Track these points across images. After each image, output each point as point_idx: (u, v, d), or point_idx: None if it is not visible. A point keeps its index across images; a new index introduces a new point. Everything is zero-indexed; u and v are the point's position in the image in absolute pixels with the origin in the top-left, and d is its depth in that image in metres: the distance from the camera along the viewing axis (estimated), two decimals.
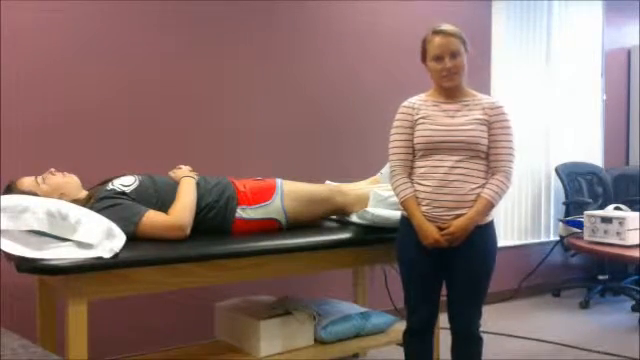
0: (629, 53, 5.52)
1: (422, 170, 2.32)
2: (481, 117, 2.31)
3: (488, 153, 2.32)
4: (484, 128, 2.30)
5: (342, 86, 3.88)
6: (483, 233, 2.33)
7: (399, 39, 4.07)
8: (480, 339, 2.41)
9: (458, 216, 2.26)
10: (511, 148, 2.32)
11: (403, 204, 2.35)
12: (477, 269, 2.34)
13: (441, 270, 2.37)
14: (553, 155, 5.01)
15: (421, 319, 2.42)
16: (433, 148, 2.29)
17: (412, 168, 2.36)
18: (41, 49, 2.91)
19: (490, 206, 2.28)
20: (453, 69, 2.28)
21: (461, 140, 2.27)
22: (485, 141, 2.30)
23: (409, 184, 2.33)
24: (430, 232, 2.26)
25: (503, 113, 2.34)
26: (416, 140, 2.33)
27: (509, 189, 2.34)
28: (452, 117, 2.32)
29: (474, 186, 2.28)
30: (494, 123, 2.31)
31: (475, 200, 2.27)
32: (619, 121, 5.49)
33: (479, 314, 2.40)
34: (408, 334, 2.47)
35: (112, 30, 3.09)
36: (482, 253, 2.34)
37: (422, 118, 2.33)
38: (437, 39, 2.30)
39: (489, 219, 2.36)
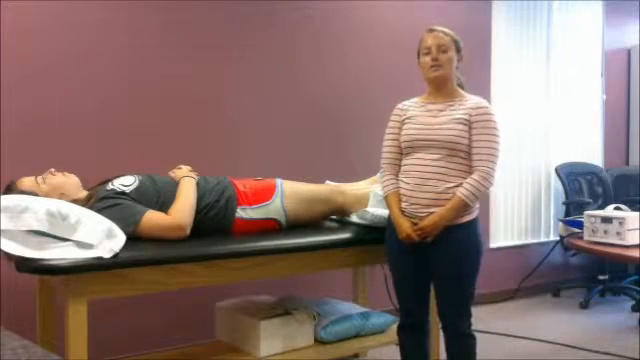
0: (629, 53, 5.52)
1: (405, 168, 2.40)
2: (462, 117, 2.32)
3: (470, 153, 2.33)
4: (464, 127, 2.31)
5: (342, 86, 3.89)
6: (463, 232, 2.33)
7: (399, 39, 4.07)
8: (470, 337, 2.40)
9: (432, 213, 2.29)
10: (492, 148, 2.31)
11: (385, 200, 2.45)
12: (458, 268, 2.34)
13: (425, 268, 2.39)
14: (553, 155, 5.02)
15: (409, 315, 2.48)
16: (413, 147, 2.36)
17: (400, 167, 2.44)
18: (41, 49, 2.91)
19: (463, 205, 2.28)
20: (438, 61, 2.35)
21: (437, 139, 2.31)
22: (465, 140, 2.31)
23: (393, 181, 2.42)
24: (404, 227, 2.32)
25: (486, 113, 2.33)
26: (401, 139, 2.41)
27: (488, 189, 2.32)
28: (434, 117, 2.37)
29: (451, 185, 2.29)
30: (476, 123, 2.31)
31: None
32: (619, 121, 5.49)
33: (467, 313, 2.39)
34: (399, 330, 2.53)
35: (112, 30, 3.09)
36: (462, 252, 2.34)
37: (408, 118, 2.42)
38: (428, 36, 2.40)
39: (470, 217, 2.35)
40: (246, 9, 3.49)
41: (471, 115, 2.32)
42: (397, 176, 2.42)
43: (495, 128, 2.33)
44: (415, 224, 2.31)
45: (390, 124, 2.49)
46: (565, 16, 5.07)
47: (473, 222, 2.36)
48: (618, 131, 5.49)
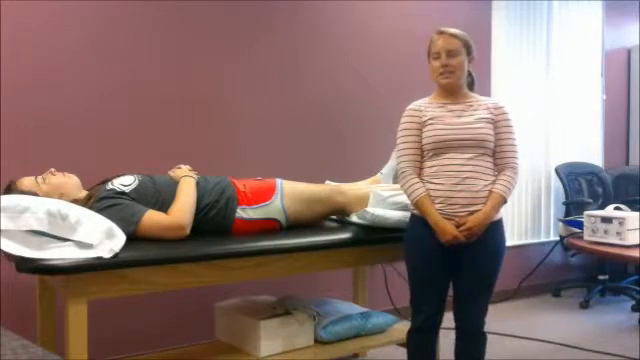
0: (629, 53, 5.52)
1: (433, 169, 2.36)
2: (487, 116, 2.38)
3: (494, 150, 2.38)
4: (490, 126, 2.37)
5: (342, 86, 3.88)
6: (494, 230, 2.36)
7: (399, 39, 4.07)
8: (485, 336, 2.43)
9: (472, 212, 2.30)
10: (515, 145, 2.41)
11: (417, 203, 2.37)
12: (487, 265, 2.37)
13: (450, 269, 2.39)
14: (553, 155, 5.02)
15: (427, 318, 2.44)
16: (444, 147, 2.34)
17: (420, 169, 2.40)
18: (41, 49, 2.90)
19: (503, 201, 2.34)
20: (449, 67, 2.35)
21: (471, 138, 2.33)
22: (492, 138, 2.37)
23: (421, 183, 2.37)
24: (448, 229, 2.29)
25: (506, 112, 2.43)
26: (426, 141, 2.37)
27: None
28: (459, 117, 2.38)
29: (486, 182, 2.33)
30: (499, 122, 2.39)
31: (487, 196, 2.32)
32: (619, 121, 5.49)
33: (486, 311, 2.42)
34: (413, 333, 2.48)
35: (112, 30, 3.09)
36: (492, 249, 2.37)
37: (430, 119, 2.38)
38: (438, 39, 2.39)
39: (499, 216, 2.40)
40: (246, 9, 3.49)
41: (495, 115, 2.39)
42: (420, 178, 2.39)
43: (513, 126, 2.43)
44: (457, 225, 2.29)
45: (406, 125, 2.42)
46: (565, 16, 5.07)
47: (501, 220, 2.42)
48: (618, 131, 5.49)
